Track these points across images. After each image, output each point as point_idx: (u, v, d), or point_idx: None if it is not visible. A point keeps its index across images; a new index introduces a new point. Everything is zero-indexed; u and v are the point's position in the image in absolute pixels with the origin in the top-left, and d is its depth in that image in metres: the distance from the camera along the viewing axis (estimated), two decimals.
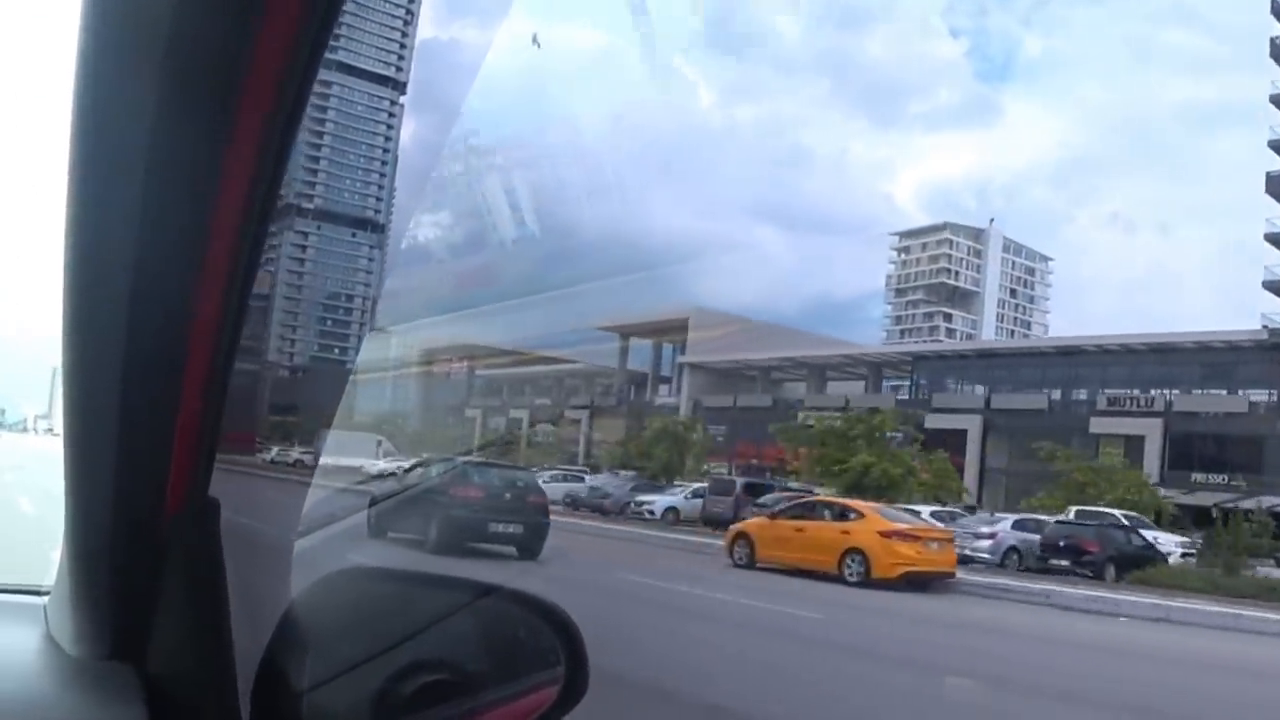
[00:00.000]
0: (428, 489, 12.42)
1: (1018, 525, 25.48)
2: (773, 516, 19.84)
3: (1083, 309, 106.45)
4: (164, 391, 1.17)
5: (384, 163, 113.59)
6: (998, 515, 28.97)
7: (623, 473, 39.58)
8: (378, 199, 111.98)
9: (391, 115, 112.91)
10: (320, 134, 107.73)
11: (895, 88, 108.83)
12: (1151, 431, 42.11)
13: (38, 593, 1.67)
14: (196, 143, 1.03)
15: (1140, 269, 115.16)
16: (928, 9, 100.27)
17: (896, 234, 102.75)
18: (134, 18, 0.95)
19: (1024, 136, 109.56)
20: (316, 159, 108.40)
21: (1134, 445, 40.76)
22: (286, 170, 1.14)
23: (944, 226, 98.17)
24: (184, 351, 1.15)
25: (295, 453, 35.33)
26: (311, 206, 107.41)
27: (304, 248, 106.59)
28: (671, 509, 31.08)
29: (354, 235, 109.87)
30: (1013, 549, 24.01)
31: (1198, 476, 40.69)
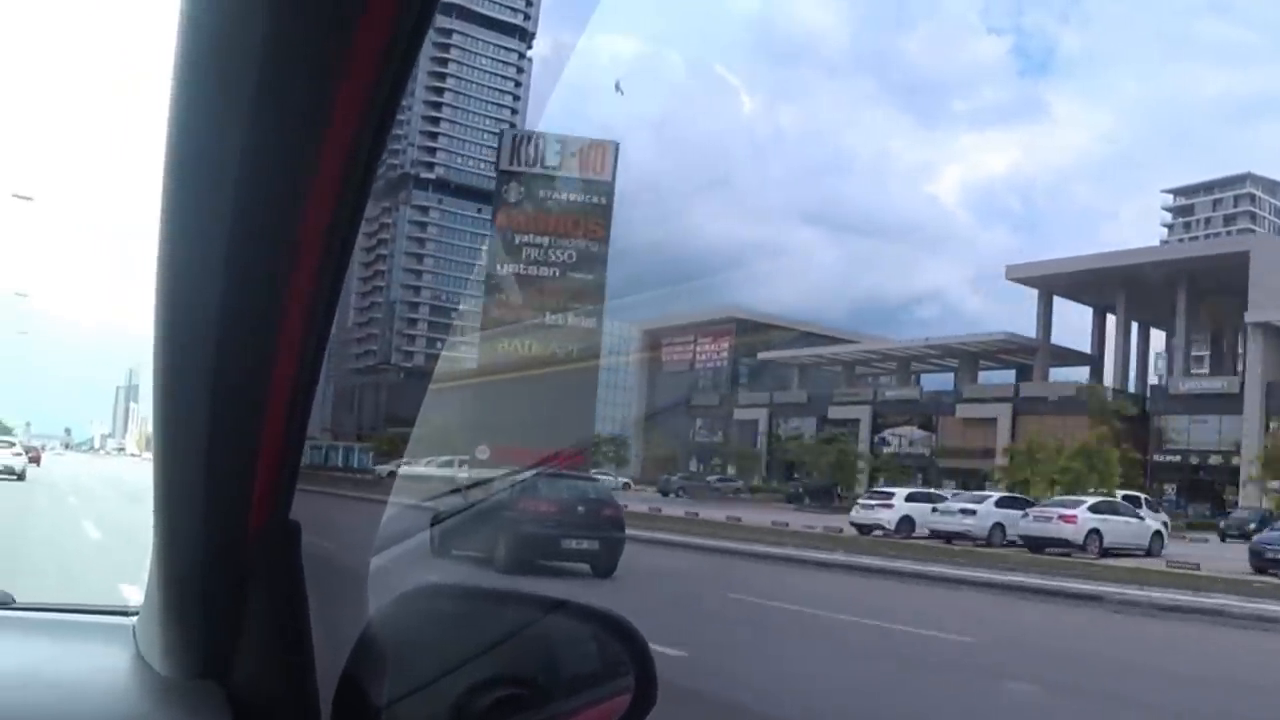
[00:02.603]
0: (495, 504, 10.31)
1: None
2: None
3: None
4: (249, 413, 1.19)
5: (512, 124, 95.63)
6: None
7: None
8: None
9: (519, 70, 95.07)
10: (440, 90, 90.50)
11: (939, 87, 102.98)
12: None
13: (125, 613, 1.71)
14: (288, 151, 1.01)
15: None
16: (965, 8, 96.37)
17: (1170, 190, 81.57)
18: (232, 21, 0.94)
19: (1067, 132, 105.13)
20: (436, 119, 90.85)
21: None
22: (374, 181, 1.07)
23: (1244, 177, 76.79)
24: (268, 374, 1.16)
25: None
26: (431, 176, 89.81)
27: (424, 224, 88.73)
28: None
29: (479, 211, 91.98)
30: None
31: None
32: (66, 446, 73.98)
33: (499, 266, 38.14)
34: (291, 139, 0.98)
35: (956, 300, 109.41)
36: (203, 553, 1.30)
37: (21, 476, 25.15)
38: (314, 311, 1.12)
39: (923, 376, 45.42)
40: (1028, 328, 44.04)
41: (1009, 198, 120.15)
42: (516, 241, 39.26)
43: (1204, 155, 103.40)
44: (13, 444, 28.83)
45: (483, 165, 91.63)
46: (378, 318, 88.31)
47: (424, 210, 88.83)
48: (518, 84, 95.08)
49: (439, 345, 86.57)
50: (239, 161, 0.99)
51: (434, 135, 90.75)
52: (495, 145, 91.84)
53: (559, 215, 39.43)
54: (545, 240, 39.15)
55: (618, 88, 77.48)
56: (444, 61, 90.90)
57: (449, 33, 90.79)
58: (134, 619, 1.64)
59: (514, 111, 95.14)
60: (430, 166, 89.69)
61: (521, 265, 38.91)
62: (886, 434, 38.41)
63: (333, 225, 1.05)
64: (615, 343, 62.40)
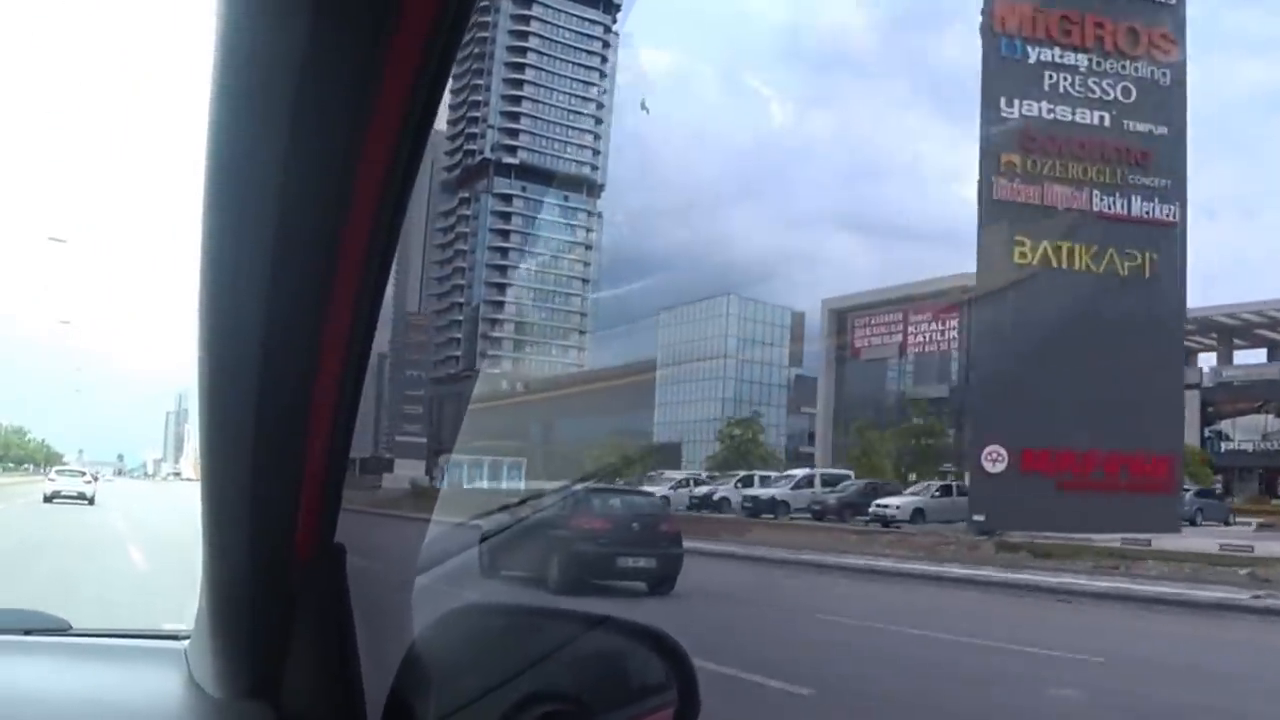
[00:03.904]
0: (545, 522, 11.23)
1: None
2: None
3: None
4: (294, 437, 1.21)
5: (599, 104, 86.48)
6: None
7: None
8: (595, 151, 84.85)
9: (605, 45, 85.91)
10: (520, 66, 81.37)
11: (971, 88, 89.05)
12: None
13: (176, 637, 1.76)
14: (328, 157, 0.99)
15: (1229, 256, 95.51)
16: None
17: None
18: (270, 28, 0.91)
19: None
20: (517, 99, 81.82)
21: None
22: (413, 188, 1.03)
23: None
24: (311, 393, 1.17)
25: None
26: (515, 162, 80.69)
27: (507, 215, 79.48)
28: None
29: (566, 199, 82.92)
30: None
31: None
32: (118, 473, 68.97)
33: (1004, 104, 20.68)
34: (331, 144, 0.95)
35: None
36: (251, 577, 1.31)
37: (92, 501, 28.32)
38: (356, 321, 1.09)
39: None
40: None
41: None
42: (1031, 58, 20.65)
43: (1239, 148, 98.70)
44: (83, 473, 32.41)
45: (570, 149, 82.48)
46: (457, 320, 78.80)
47: (507, 199, 79.60)
48: (604, 59, 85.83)
49: (528, 349, 77.05)
50: (279, 169, 0.96)
51: (515, 116, 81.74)
52: (582, 128, 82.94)
53: (1103, 17, 21.70)
54: (1083, 60, 20.95)
55: (643, 107, 71.79)
56: (524, 35, 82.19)
57: (528, 3, 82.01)
58: (185, 643, 1.65)
59: (602, 90, 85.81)
60: (513, 151, 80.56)
61: (1042, 103, 20.39)
62: (1222, 425, 28.12)
63: (374, 230, 1.03)
64: (770, 331, 52.05)
